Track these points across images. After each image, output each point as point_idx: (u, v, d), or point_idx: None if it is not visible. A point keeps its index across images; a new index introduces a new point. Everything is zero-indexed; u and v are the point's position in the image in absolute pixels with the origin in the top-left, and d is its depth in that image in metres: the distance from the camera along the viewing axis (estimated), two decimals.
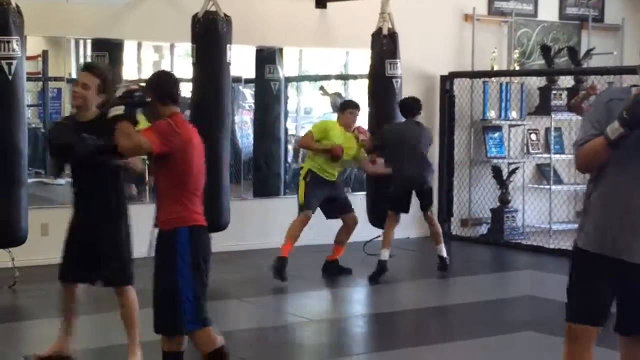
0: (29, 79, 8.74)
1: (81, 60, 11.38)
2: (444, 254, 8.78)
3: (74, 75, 11.10)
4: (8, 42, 7.45)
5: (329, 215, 9.02)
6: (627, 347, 4.34)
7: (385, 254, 8.53)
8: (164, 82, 4.88)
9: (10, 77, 7.53)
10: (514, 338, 6.69)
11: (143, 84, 5.05)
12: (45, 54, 10.58)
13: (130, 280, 5.62)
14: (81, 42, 10.70)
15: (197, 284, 4.63)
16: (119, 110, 4.64)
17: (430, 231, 8.92)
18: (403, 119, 8.87)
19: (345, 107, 8.87)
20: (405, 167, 8.59)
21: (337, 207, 8.85)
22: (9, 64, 7.43)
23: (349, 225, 8.85)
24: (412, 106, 8.82)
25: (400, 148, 8.59)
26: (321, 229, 10.43)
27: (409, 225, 10.35)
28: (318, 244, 10.23)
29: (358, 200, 9.66)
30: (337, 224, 10.41)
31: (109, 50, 9.68)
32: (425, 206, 8.81)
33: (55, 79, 10.63)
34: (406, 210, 8.80)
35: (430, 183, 8.86)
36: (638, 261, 4.03)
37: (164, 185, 4.67)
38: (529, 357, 6.35)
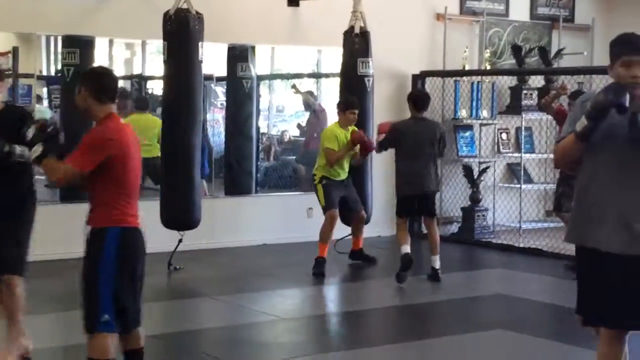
0: None
1: (52, 57, 11.32)
2: (437, 265, 8.49)
3: (44, 72, 11.05)
4: None
5: (343, 219, 9.23)
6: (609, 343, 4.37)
7: (406, 248, 8.33)
8: (101, 78, 4.68)
9: None
10: (484, 336, 6.72)
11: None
12: (15, 50, 10.50)
13: (24, 272, 5.49)
14: (52, 38, 10.64)
15: (119, 285, 4.52)
16: (36, 152, 4.56)
17: (428, 239, 8.62)
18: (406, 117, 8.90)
19: (346, 108, 8.87)
20: (409, 168, 8.43)
21: (348, 208, 9.09)
22: None
23: (358, 222, 9.23)
24: (425, 100, 8.71)
25: (407, 147, 8.42)
26: (291, 228, 10.46)
27: (380, 223, 10.38)
28: (289, 243, 10.26)
29: None
30: (307, 222, 10.44)
31: (80, 47, 9.61)
32: (425, 212, 8.69)
33: (26, 75, 10.55)
34: (412, 215, 8.75)
35: (433, 187, 8.58)
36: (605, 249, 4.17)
37: (99, 186, 4.55)
38: (499, 355, 6.39)
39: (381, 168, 10.27)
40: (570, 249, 9.04)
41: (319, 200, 8.96)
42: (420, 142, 8.37)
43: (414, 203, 8.44)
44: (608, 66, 4.26)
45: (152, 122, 10.24)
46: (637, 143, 4.08)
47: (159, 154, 9.12)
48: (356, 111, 8.87)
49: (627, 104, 4.00)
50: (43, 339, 6.06)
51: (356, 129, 8.87)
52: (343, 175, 8.97)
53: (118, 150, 4.51)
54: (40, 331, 6.17)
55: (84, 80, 4.68)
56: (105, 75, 4.74)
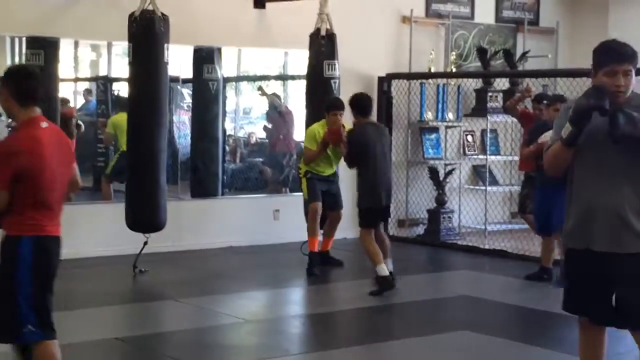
0: None
1: (16, 59, 11.23)
2: (392, 268, 8.14)
3: None
4: None
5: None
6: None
7: (384, 269, 7.89)
8: (21, 80, 4.40)
9: None
10: (450, 337, 6.75)
11: None
12: None
13: None
14: (17, 40, 10.56)
15: (37, 293, 4.43)
16: None
17: (380, 244, 8.23)
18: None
19: (328, 110, 8.70)
20: (375, 177, 8.06)
21: (327, 203, 9.02)
22: None
23: (332, 221, 9.20)
24: (368, 104, 8.32)
25: (367, 154, 8.03)
26: (257, 230, 10.46)
27: (346, 226, 10.38)
28: (255, 245, 10.26)
29: (296, 201, 9.68)
30: (273, 225, 10.45)
31: (44, 48, 9.55)
32: (384, 220, 8.53)
33: None
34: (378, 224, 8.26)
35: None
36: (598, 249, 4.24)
37: (16, 194, 4.34)
38: (465, 356, 6.42)
39: (346, 168, 10.29)
40: (535, 252, 9.16)
41: (303, 194, 9.03)
42: (380, 150, 8.10)
43: (380, 213, 8.26)
44: (592, 74, 4.28)
45: None
46: (619, 143, 4.13)
47: None
48: (338, 112, 8.58)
49: (608, 106, 4.06)
50: None
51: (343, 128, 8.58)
52: (329, 171, 8.99)
53: (28, 163, 4.30)
54: None
55: (5, 80, 4.45)
56: (26, 77, 4.43)
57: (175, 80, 10.32)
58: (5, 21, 9.15)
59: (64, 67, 10.32)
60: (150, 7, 8.49)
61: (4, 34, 9.74)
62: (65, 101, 10.48)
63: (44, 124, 4.43)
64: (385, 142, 8.28)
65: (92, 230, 9.48)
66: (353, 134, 8.18)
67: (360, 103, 8.26)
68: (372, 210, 8.09)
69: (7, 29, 9.44)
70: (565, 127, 4.14)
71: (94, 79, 12.45)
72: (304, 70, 10.08)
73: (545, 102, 8.95)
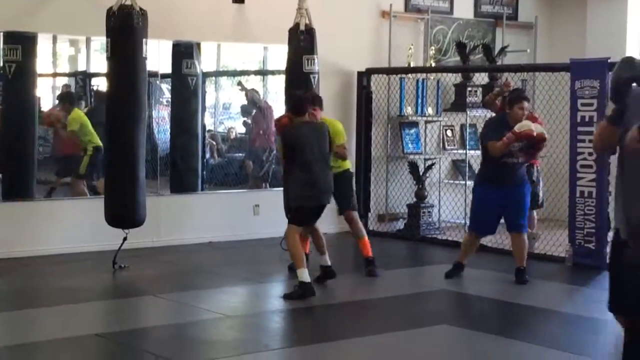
0: None
1: None
2: (329, 262, 8.24)
3: None
4: None
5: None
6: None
7: (304, 274, 7.67)
8: None
9: None
10: (430, 331, 6.76)
11: None
12: None
13: None
14: None
15: None
16: None
17: (315, 240, 8.35)
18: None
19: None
20: (311, 176, 7.76)
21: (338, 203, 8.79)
22: None
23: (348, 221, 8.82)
24: (301, 103, 7.96)
25: (301, 154, 7.72)
26: (237, 225, 10.45)
27: (325, 220, 10.37)
28: (235, 240, 10.25)
29: (276, 196, 9.66)
30: (253, 220, 10.44)
31: (22, 43, 9.49)
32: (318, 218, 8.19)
33: None
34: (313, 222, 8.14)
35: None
36: None
37: None
38: (444, 349, 6.44)
39: None
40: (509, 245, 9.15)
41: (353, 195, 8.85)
42: (317, 150, 7.77)
43: (316, 212, 7.96)
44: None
45: None
46: None
47: None
48: (316, 108, 8.23)
49: None
50: None
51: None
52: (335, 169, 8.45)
53: None
54: None
55: None
56: None
57: (154, 75, 10.28)
58: None
59: (42, 63, 10.24)
60: (129, 2, 8.46)
61: None
62: None
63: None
64: (324, 141, 7.88)
65: (71, 226, 9.45)
66: (283, 135, 7.95)
67: (293, 103, 8.06)
68: (305, 210, 7.84)
69: None
70: (609, 106, 4.22)
71: (73, 74, 12.38)
72: (283, 65, 10.07)
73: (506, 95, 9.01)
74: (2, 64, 9.83)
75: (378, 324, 7.12)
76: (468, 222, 9.00)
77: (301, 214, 7.86)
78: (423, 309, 7.65)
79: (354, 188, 8.92)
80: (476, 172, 9.41)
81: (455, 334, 6.75)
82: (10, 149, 9.50)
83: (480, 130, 11.97)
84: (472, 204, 8.65)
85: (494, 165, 8.18)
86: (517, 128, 7.96)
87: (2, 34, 9.83)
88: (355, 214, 8.77)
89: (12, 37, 9.54)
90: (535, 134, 7.96)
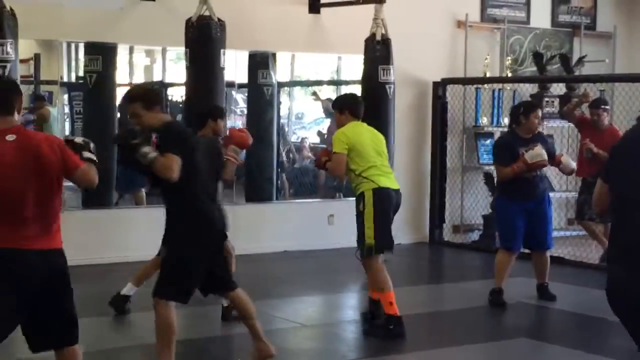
0: (21, 82, 8.71)
1: (73, 64, 11.35)
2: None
3: (65, 79, 11.09)
4: (2, 45, 7.42)
5: None
6: None
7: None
8: None
9: None
10: (507, 345, 6.69)
11: None
12: (37, 57, 10.55)
13: None
14: (72, 45, 10.68)
15: None
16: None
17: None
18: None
19: None
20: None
21: None
22: (3, 67, 7.41)
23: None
24: (200, 116, 7.11)
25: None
26: (312, 235, 10.46)
27: (400, 231, 10.35)
28: (310, 250, 10.26)
29: (350, 207, 9.65)
30: (328, 229, 10.44)
31: (102, 54, 9.65)
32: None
33: (48, 82, 10.61)
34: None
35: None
36: None
37: None
38: None
39: (402, 171, 10.26)
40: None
41: None
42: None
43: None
44: None
45: None
46: None
47: None
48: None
49: None
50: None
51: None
52: None
53: None
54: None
55: None
56: None
57: (230, 85, 10.37)
58: (64, 27, 9.26)
59: (120, 73, 10.41)
60: (207, 13, 8.55)
61: (63, 40, 9.82)
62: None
63: (10, 137, 4.27)
64: (214, 160, 6.74)
65: (150, 233, 9.43)
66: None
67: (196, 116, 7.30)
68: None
69: (65, 35, 9.55)
70: None
71: (149, 84, 12.56)
72: (357, 75, 10.08)
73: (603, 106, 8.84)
74: (82, 74, 10.04)
75: (455, 336, 7.06)
76: (499, 242, 8.34)
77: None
78: (500, 321, 7.58)
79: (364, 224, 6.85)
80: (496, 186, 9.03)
81: (534, 347, 6.67)
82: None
83: (557, 140, 11.95)
84: (500, 220, 8.15)
85: (514, 181, 7.70)
86: (530, 158, 7.55)
87: (82, 44, 10.04)
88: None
89: (93, 48, 9.72)
90: (547, 164, 7.72)
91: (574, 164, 8.32)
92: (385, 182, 6.72)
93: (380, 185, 6.66)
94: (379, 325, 6.75)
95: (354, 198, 6.66)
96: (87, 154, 4.44)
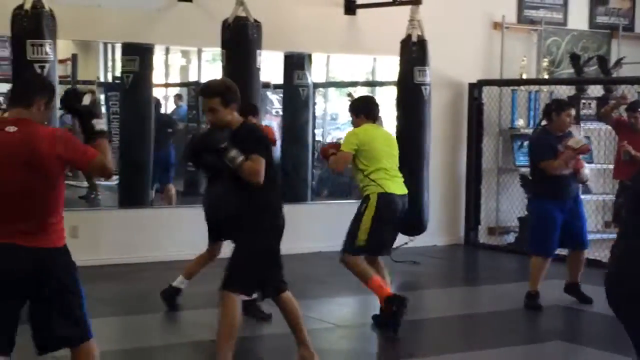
0: (59, 83, 8.80)
1: (109, 64, 11.46)
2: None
3: (102, 79, 11.20)
4: (41, 45, 7.48)
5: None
6: None
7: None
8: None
9: None
10: (543, 347, 6.66)
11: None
12: (74, 57, 10.66)
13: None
14: (109, 46, 10.77)
15: None
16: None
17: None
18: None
19: None
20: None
21: None
22: (42, 67, 7.47)
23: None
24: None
25: None
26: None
27: (435, 233, 10.34)
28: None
29: None
30: None
31: (139, 54, 9.72)
32: None
33: (85, 82, 10.71)
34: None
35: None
36: None
37: None
38: None
39: (437, 173, 10.29)
40: None
41: None
42: None
43: None
44: None
45: None
46: None
47: None
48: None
49: None
50: (102, 343, 6.09)
51: None
52: None
53: None
54: (98, 335, 6.21)
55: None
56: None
57: (266, 85, 10.40)
58: (101, 28, 9.32)
59: (156, 73, 10.48)
60: (244, 14, 8.59)
61: (100, 41, 9.90)
62: None
63: (10, 128, 4.23)
64: None
65: (187, 232, 9.52)
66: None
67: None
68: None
69: (103, 35, 9.63)
70: None
71: (185, 84, 12.64)
72: (392, 77, 10.07)
73: None
74: (119, 74, 10.11)
75: (488, 338, 7.04)
76: (531, 246, 8.25)
77: None
78: (535, 324, 7.54)
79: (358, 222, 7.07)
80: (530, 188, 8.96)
81: (569, 350, 6.64)
82: (127, 156, 9.72)
83: (594, 142, 11.85)
84: (535, 224, 8.02)
85: (550, 181, 7.71)
86: (574, 144, 7.57)
87: (119, 45, 10.11)
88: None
89: (130, 49, 9.79)
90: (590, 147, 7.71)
91: (588, 177, 8.27)
92: (392, 187, 6.79)
93: (386, 190, 6.75)
94: (387, 315, 6.74)
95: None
96: (99, 125, 4.38)
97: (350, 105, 7.28)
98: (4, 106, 10.55)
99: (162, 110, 11.45)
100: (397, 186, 6.85)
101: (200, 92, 5.62)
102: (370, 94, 10.46)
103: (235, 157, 5.13)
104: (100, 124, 4.40)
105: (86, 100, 4.43)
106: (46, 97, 4.33)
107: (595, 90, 11.48)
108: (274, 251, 5.65)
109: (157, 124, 9.98)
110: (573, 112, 7.92)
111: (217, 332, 5.45)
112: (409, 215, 8.96)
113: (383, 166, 6.80)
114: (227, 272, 5.51)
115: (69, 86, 10.69)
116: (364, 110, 6.98)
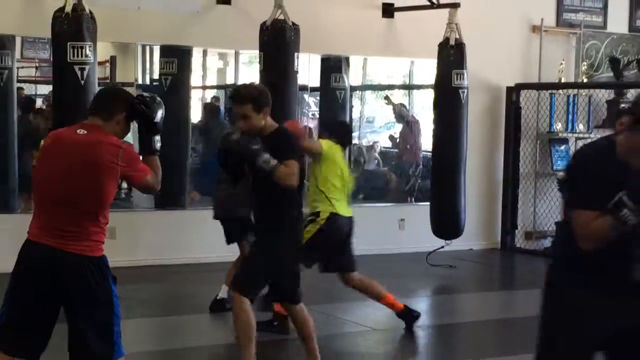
0: (97, 84, 8.86)
1: (147, 66, 11.51)
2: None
3: (140, 81, 11.26)
4: (82, 47, 7.55)
5: None
6: None
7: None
8: None
9: (82, 82, 7.62)
10: None
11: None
12: (113, 59, 10.72)
13: None
14: (147, 48, 10.83)
15: (11, 302, 4.21)
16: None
17: None
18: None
19: None
20: None
21: None
22: (82, 69, 7.54)
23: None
24: None
25: None
26: (382, 239, 10.44)
27: (471, 236, 10.30)
28: (380, 254, 10.25)
29: (421, 211, 9.64)
30: (399, 234, 10.40)
31: (177, 57, 9.77)
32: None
33: (123, 84, 10.76)
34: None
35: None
36: None
37: None
38: None
39: (474, 176, 10.25)
40: None
41: None
42: None
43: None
44: None
45: None
46: None
47: None
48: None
49: None
50: (138, 344, 6.14)
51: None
52: None
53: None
54: (134, 336, 6.26)
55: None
56: None
57: (303, 88, 10.41)
58: (140, 30, 9.39)
59: (193, 75, 10.53)
60: (282, 17, 8.60)
61: (139, 43, 9.96)
62: None
63: (80, 131, 4.29)
64: None
65: (222, 235, 9.60)
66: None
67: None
68: None
69: (142, 38, 9.70)
70: None
71: (222, 86, 12.68)
72: (429, 80, 10.04)
73: None
74: (158, 77, 10.17)
75: (526, 343, 6.94)
76: None
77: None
78: None
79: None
80: None
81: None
82: (164, 158, 9.74)
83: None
84: None
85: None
86: None
87: (157, 47, 10.17)
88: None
89: (168, 51, 9.84)
90: None
91: None
92: (341, 209, 6.72)
93: (337, 212, 6.68)
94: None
95: (427, 203, 6.59)
96: (158, 144, 4.47)
97: (325, 126, 7.36)
98: (43, 107, 10.67)
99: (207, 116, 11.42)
100: (346, 208, 6.80)
101: (231, 98, 5.54)
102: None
103: (268, 160, 5.08)
104: (159, 142, 4.46)
105: (159, 114, 4.42)
106: (126, 112, 4.35)
107: (635, 94, 11.37)
108: (292, 259, 5.53)
109: (216, 131, 9.98)
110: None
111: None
112: (445, 218, 9.00)
113: (338, 185, 6.74)
114: (238, 272, 5.52)
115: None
116: (336, 133, 6.95)
